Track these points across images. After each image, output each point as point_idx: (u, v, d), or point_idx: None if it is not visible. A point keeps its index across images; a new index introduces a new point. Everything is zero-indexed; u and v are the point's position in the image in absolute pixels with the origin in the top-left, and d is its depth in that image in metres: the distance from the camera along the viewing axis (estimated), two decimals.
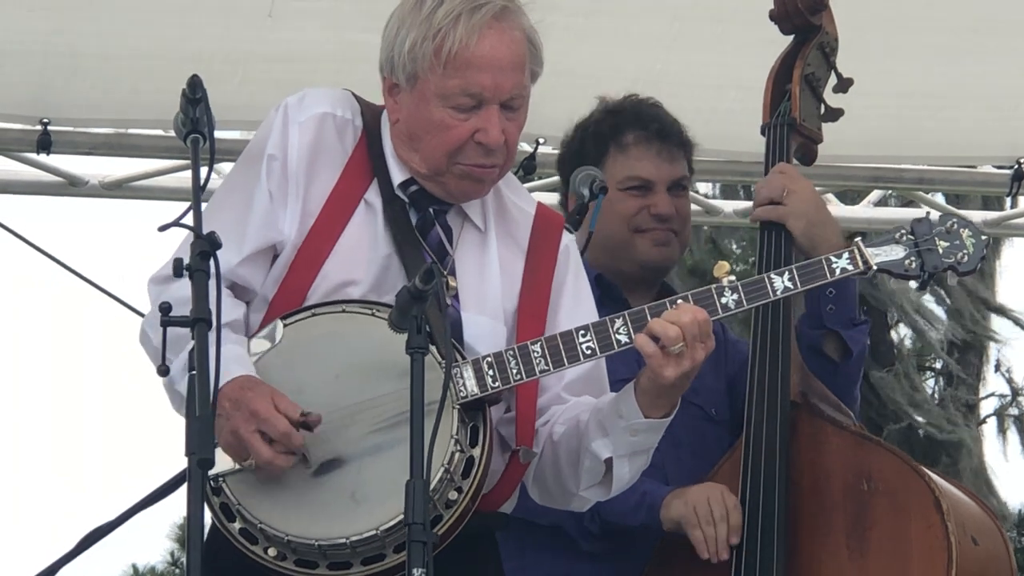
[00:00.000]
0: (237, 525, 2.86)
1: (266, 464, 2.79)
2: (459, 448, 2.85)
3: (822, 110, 3.89)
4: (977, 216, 6.14)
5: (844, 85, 3.90)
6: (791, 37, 3.84)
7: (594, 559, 3.55)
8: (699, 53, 5.09)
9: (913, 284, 3.13)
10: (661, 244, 3.76)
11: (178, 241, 2.84)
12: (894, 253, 3.02)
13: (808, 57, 3.78)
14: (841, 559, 3.39)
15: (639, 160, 3.74)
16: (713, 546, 3.39)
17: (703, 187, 8.41)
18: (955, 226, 3.07)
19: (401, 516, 2.66)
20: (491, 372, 2.89)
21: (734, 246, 11.59)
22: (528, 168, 3.67)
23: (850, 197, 6.31)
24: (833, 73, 3.88)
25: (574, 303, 3.12)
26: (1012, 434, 13.41)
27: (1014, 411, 13.43)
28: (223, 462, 2.79)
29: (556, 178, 4.37)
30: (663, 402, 2.91)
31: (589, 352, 2.92)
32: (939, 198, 6.25)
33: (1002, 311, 12.63)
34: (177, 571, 14.72)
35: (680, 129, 3.83)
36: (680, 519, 3.44)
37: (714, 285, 2.96)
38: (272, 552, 2.85)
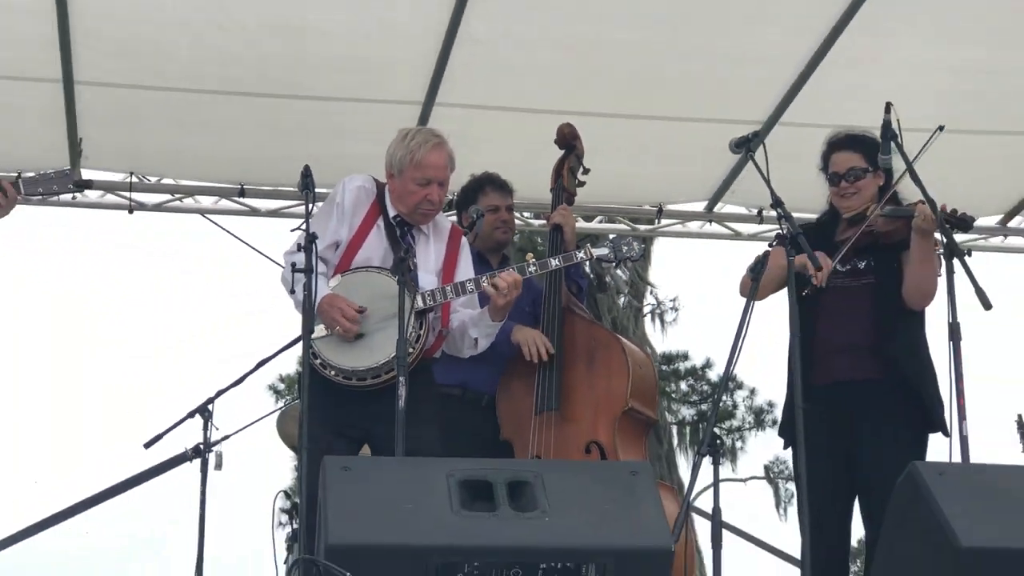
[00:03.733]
0: (318, 361, 5.41)
1: (345, 330, 5.40)
2: (414, 330, 5.37)
3: (576, 183, 6.51)
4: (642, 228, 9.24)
5: (584, 172, 6.54)
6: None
7: (479, 366, 5.93)
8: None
9: (612, 265, 5.61)
10: (507, 232, 6.48)
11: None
12: (604, 250, 5.67)
13: (571, 160, 6.52)
14: (582, 373, 6.06)
15: (493, 197, 6.41)
16: (535, 354, 5.97)
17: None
18: (629, 238, 5.73)
19: (388, 359, 5.31)
20: (429, 297, 5.44)
21: (539, 240, 15.77)
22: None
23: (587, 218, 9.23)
24: (581, 168, 6.53)
25: (465, 266, 5.69)
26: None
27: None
28: (318, 332, 5.39)
29: None
30: (499, 316, 5.55)
31: (471, 289, 5.50)
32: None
33: None
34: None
35: (503, 179, 6.51)
36: (518, 341, 6.01)
37: (525, 262, 5.58)
38: (335, 375, 5.43)
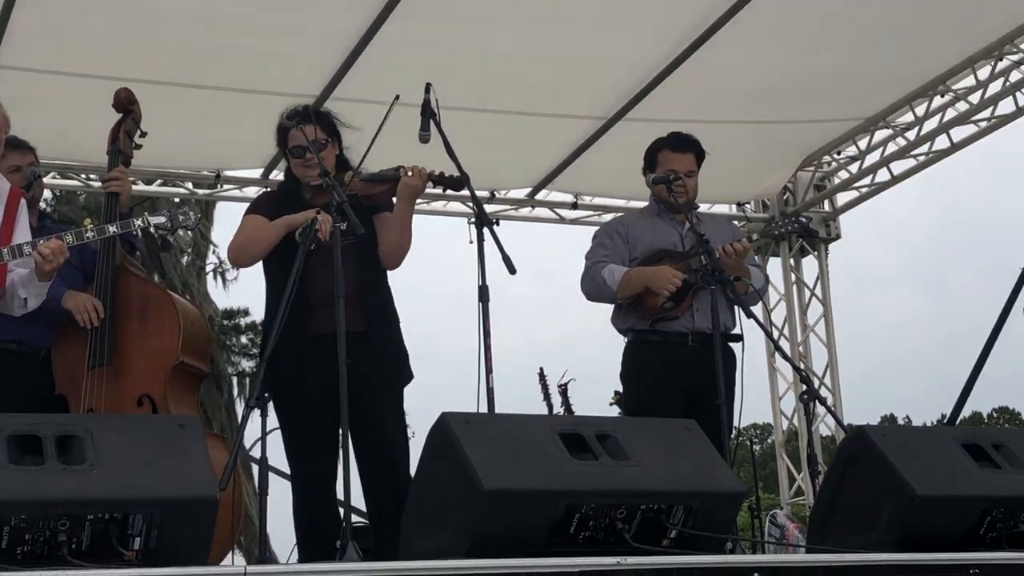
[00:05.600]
0: None
1: None
2: None
3: (133, 146, 6.15)
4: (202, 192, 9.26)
5: (142, 135, 6.14)
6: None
7: (35, 321, 5.53)
8: None
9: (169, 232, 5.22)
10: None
11: None
12: (161, 219, 5.15)
13: (127, 123, 6.13)
14: (134, 329, 5.77)
15: (13, 158, 5.85)
16: (87, 319, 5.65)
17: None
18: (186, 208, 5.24)
19: None
20: None
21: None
22: None
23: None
24: (138, 132, 6.13)
25: (23, 227, 5.22)
26: None
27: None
28: None
29: None
30: (45, 278, 5.11)
31: (28, 252, 5.00)
32: None
33: None
34: None
35: (20, 139, 5.97)
36: (70, 309, 5.67)
37: (83, 227, 5.13)
38: None
